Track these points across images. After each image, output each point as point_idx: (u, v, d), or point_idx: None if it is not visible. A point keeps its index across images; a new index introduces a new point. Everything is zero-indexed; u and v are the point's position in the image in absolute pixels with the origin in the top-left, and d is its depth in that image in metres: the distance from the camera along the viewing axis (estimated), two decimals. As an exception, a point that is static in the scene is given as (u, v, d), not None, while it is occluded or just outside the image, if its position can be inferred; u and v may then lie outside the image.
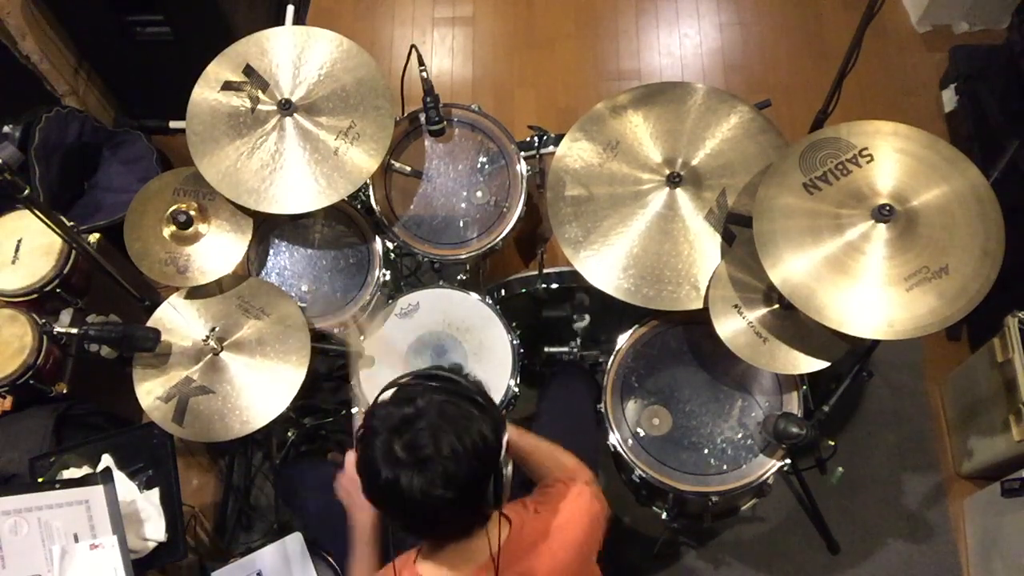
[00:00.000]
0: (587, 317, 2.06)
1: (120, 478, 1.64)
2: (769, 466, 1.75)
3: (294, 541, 1.89)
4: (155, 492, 1.69)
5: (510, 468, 1.25)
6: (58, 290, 2.02)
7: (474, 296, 1.96)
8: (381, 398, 1.23)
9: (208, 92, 1.81)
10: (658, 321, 1.89)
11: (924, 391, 2.48)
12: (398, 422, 1.16)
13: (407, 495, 1.14)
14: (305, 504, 1.88)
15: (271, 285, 1.84)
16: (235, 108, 1.79)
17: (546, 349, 2.15)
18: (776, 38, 3.14)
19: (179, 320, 1.78)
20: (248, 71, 1.81)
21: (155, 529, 1.64)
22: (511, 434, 1.53)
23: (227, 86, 1.80)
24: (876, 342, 1.75)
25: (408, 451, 1.14)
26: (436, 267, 2.07)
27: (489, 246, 1.96)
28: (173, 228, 1.78)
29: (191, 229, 1.77)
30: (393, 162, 1.97)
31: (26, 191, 1.43)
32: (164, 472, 1.73)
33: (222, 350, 1.73)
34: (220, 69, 1.82)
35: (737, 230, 1.75)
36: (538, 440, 1.58)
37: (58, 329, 1.72)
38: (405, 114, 2.01)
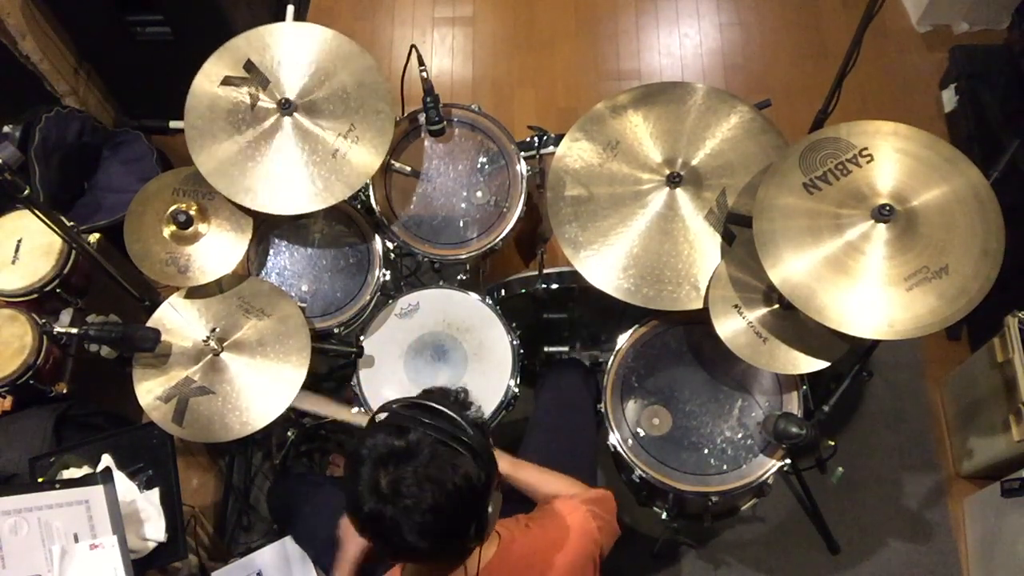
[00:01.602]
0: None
1: (120, 478, 1.64)
2: (769, 466, 1.75)
3: (294, 541, 1.89)
4: (155, 492, 1.69)
5: (498, 501, 1.24)
6: (58, 290, 2.02)
7: (474, 296, 1.96)
8: (377, 418, 1.21)
9: (208, 87, 1.79)
10: (658, 321, 1.89)
11: (924, 391, 2.48)
12: (386, 453, 1.15)
13: (386, 527, 1.15)
14: (298, 526, 1.87)
15: (271, 285, 1.84)
16: (234, 106, 1.78)
17: (546, 349, 2.15)
18: (776, 38, 3.14)
19: (179, 320, 1.78)
20: (249, 66, 1.80)
21: (155, 529, 1.64)
22: (506, 468, 1.54)
23: (226, 82, 1.79)
24: (876, 342, 1.75)
25: (392, 489, 1.13)
26: (436, 267, 2.07)
27: (489, 246, 1.96)
28: (173, 228, 1.78)
29: (191, 229, 1.77)
30: (393, 162, 1.97)
31: (26, 191, 1.43)
32: (164, 472, 1.73)
33: (222, 350, 1.73)
34: (220, 63, 1.81)
35: (737, 230, 1.75)
36: (535, 469, 1.59)
37: (58, 329, 1.72)
38: (405, 114, 2.01)
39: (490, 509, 1.21)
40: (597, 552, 1.40)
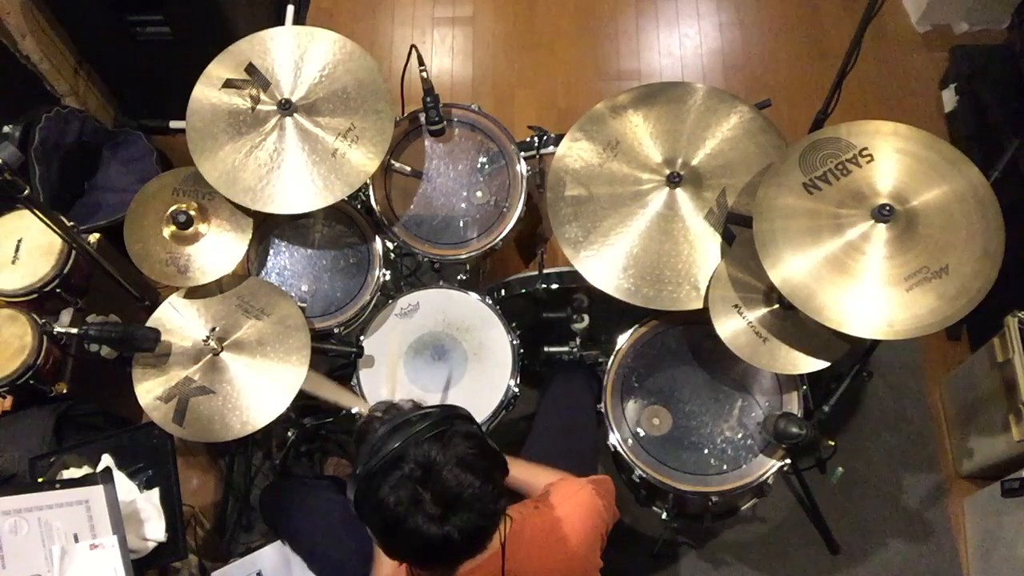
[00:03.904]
0: (586, 318, 2.06)
1: (120, 478, 1.64)
2: (769, 466, 1.75)
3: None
4: (155, 492, 1.69)
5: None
6: (58, 290, 2.02)
7: (474, 296, 1.96)
8: (366, 487, 1.16)
9: (209, 90, 1.81)
10: (658, 321, 1.89)
11: (924, 391, 2.48)
12: (410, 491, 1.13)
13: (473, 530, 1.15)
14: (289, 531, 1.85)
15: (271, 285, 1.84)
16: (235, 107, 1.79)
17: (546, 349, 2.15)
18: (776, 38, 3.14)
19: (179, 320, 1.78)
20: (250, 70, 1.81)
21: (155, 529, 1.64)
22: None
23: (228, 84, 1.80)
24: (876, 342, 1.75)
25: (445, 502, 1.13)
26: (436, 267, 2.07)
27: (489, 246, 1.96)
28: (173, 228, 1.78)
29: (191, 229, 1.77)
30: (393, 162, 1.98)
31: (26, 191, 1.43)
32: (164, 472, 1.73)
33: (222, 350, 1.73)
34: (222, 67, 1.82)
35: (737, 230, 1.75)
36: (525, 464, 1.61)
37: (58, 329, 1.72)
38: (405, 114, 2.01)
39: (491, 441, 1.24)
40: (604, 528, 1.43)
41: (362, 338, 1.93)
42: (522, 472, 1.58)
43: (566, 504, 1.40)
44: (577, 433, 1.88)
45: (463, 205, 2.00)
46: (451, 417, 1.20)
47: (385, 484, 1.14)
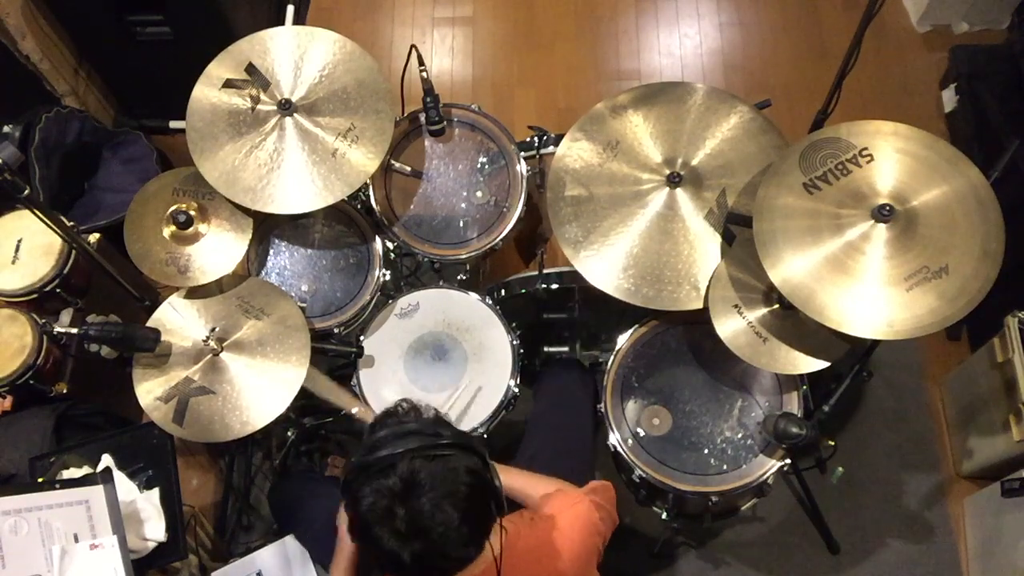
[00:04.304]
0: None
1: (120, 478, 1.64)
2: (769, 466, 1.75)
3: (294, 541, 1.89)
4: (155, 492, 1.68)
5: (495, 469, 1.24)
6: (58, 290, 2.02)
7: (474, 296, 1.96)
8: (354, 477, 1.17)
9: (209, 90, 1.81)
10: (658, 321, 1.89)
11: (924, 391, 2.48)
12: (387, 502, 1.12)
13: (435, 560, 1.14)
14: (299, 524, 1.87)
15: (271, 285, 1.84)
16: (235, 107, 1.79)
17: (546, 349, 2.15)
18: (776, 38, 3.14)
19: (179, 320, 1.78)
20: (250, 69, 1.81)
21: (155, 529, 1.64)
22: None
23: (228, 84, 1.80)
24: (876, 342, 1.75)
25: (415, 527, 1.11)
26: (436, 267, 2.07)
27: (489, 246, 1.96)
28: (173, 228, 1.78)
29: (191, 229, 1.77)
30: (393, 162, 1.98)
31: (26, 191, 1.43)
32: (164, 472, 1.73)
33: (222, 350, 1.73)
34: (222, 67, 1.83)
35: (737, 230, 1.75)
36: (523, 474, 1.60)
37: (58, 329, 1.72)
38: (405, 114, 2.01)
39: (497, 483, 1.21)
40: (600, 542, 1.42)
41: (362, 338, 1.93)
42: (520, 482, 1.57)
43: (562, 517, 1.39)
44: (571, 431, 1.87)
45: (463, 205, 2.00)
46: (460, 447, 1.17)
47: (368, 485, 1.14)
